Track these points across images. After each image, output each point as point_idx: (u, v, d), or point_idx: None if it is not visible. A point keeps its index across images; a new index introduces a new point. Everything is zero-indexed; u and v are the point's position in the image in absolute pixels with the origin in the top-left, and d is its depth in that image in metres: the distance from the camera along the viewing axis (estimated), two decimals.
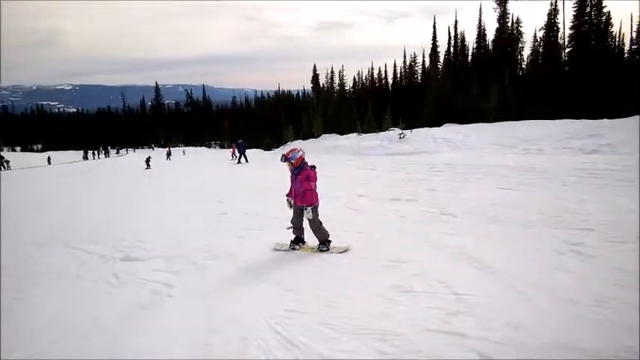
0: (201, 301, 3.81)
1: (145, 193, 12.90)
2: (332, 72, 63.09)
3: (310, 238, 5.31)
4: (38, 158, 46.46)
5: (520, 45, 43.69)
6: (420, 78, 54.89)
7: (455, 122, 29.88)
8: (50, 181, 19.66)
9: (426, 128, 25.09)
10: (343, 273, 4.28)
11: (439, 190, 8.79)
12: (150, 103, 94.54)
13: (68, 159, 48.01)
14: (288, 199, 5.34)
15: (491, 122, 25.04)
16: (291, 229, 5.31)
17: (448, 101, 39.66)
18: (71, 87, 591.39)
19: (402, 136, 20.87)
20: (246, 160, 23.27)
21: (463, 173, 10.73)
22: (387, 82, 62.14)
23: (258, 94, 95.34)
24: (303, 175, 5.03)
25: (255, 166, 21.24)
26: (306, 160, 5.17)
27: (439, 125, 28.25)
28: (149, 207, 9.68)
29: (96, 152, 55.27)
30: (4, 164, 30.41)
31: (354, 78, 65.55)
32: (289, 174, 5.25)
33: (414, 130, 22.29)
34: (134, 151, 73.12)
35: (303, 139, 38.56)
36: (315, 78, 66.84)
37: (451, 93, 40.70)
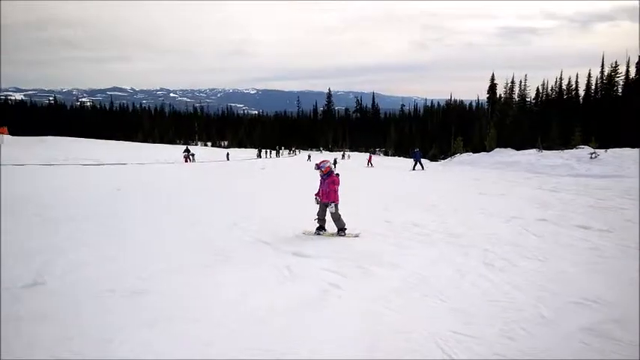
0: (367, 305, 4.03)
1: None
2: (512, 81, 62.38)
3: (330, 226, 7.11)
4: (221, 154, 52.46)
5: None
6: (621, 90, 51.06)
7: None
8: (231, 174, 23.02)
9: (626, 149, 22.65)
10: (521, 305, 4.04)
11: None
12: (322, 109, 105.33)
13: (244, 155, 54.82)
14: (315, 198, 7.19)
15: None
16: (317, 220, 7.17)
17: None
18: (255, 91, 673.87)
19: (593, 155, 19.62)
20: (422, 168, 26.21)
21: None
22: (577, 93, 58.74)
23: (428, 103, 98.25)
24: (329, 179, 6.96)
25: (427, 175, 22.42)
26: (334, 169, 7.28)
27: None
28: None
29: (268, 151, 63.63)
30: (191, 157, 38.48)
31: (538, 88, 63.28)
32: (319, 180, 7.18)
33: (609, 150, 20.80)
34: (308, 152, 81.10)
35: (473, 152, 40.00)
36: (492, 87, 66.39)
37: None
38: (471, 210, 9.88)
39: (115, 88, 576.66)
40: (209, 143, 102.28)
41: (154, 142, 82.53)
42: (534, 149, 27.15)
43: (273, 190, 14.91)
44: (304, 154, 72.82)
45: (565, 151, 25.01)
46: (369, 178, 22.16)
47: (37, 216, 8.70)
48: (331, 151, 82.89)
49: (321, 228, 7.23)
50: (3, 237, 6.50)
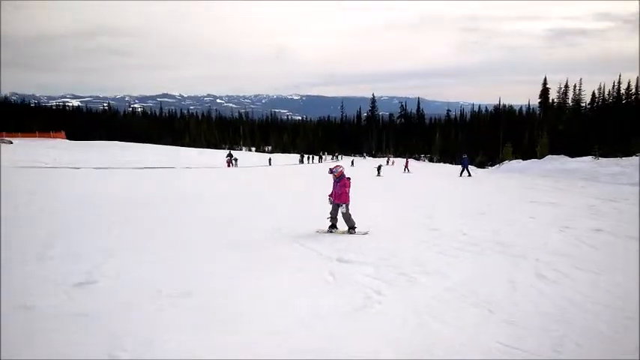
0: (411, 314, 3.97)
1: (367, 198, 14.61)
2: (566, 86, 60.14)
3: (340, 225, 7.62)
4: (263, 158, 53.56)
5: None
6: None
7: None
8: (274, 179, 23.87)
9: None
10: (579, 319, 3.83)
11: None
12: (365, 114, 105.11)
13: (287, 161, 55.46)
14: (329, 198, 7.86)
15: None
16: (329, 219, 7.79)
17: None
18: (299, 97, 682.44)
19: None
20: (469, 174, 26.08)
21: None
22: (637, 98, 56.20)
23: (475, 108, 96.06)
24: (341, 182, 7.63)
25: (474, 182, 21.92)
26: (345, 173, 7.88)
27: None
28: (366, 212, 9.82)
29: (310, 157, 64.15)
30: (234, 161, 39.10)
31: (594, 93, 60.79)
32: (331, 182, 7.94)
33: None
34: (352, 158, 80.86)
35: (523, 159, 38.86)
36: (544, 92, 64.35)
37: None
38: (521, 219, 9.56)
39: (164, 95, 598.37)
40: (253, 148, 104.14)
41: (200, 146, 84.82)
42: (589, 156, 26.31)
43: (318, 195, 14.97)
44: (347, 159, 72.76)
45: (624, 158, 23.99)
46: (412, 184, 22.04)
47: (92, 216, 9.16)
48: (374, 156, 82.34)
49: (333, 226, 7.81)
50: (57, 237, 6.89)
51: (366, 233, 7.63)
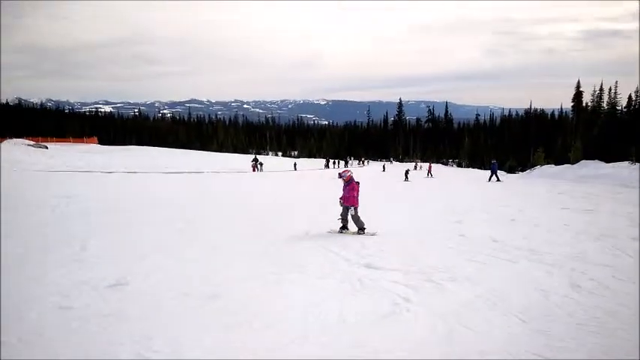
0: (440, 321, 3.91)
1: (394, 202, 14.88)
2: (601, 89, 58.49)
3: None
4: (289, 163, 53.65)
5: None
6: None
7: None
8: (299, 183, 23.87)
9: None
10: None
11: None
12: (392, 119, 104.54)
13: (312, 166, 55.01)
14: (340, 201, 8.20)
15: None
16: (340, 220, 8.23)
17: None
18: (325, 102, 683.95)
19: None
20: (497, 179, 25.97)
21: None
22: None
23: (505, 112, 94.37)
24: (350, 186, 8.02)
25: (504, 187, 21.53)
26: (354, 178, 8.27)
27: None
28: (393, 218, 10.43)
29: (336, 162, 63.48)
30: (259, 166, 39.53)
31: (630, 96, 58.89)
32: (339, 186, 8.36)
33: None
34: (384, 162, 79.64)
35: (556, 164, 38.03)
36: (578, 95, 62.73)
37: None
38: (554, 226, 9.25)
39: (192, 100, 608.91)
40: (279, 153, 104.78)
41: (227, 151, 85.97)
42: (626, 162, 25.32)
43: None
44: (374, 164, 72.44)
45: None
46: (440, 189, 21.86)
47: (123, 218, 9.41)
48: (401, 161, 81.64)
49: (344, 227, 8.24)
50: (91, 239, 7.10)
51: (374, 234, 7.96)
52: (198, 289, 4.75)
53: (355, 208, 8.01)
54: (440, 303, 4.43)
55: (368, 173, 38.97)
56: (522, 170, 48.01)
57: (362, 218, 8.08)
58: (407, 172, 32.20)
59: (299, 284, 5.03)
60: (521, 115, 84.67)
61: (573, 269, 5.74)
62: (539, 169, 34.65)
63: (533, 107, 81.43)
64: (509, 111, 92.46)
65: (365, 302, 4.44)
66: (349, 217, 8.13)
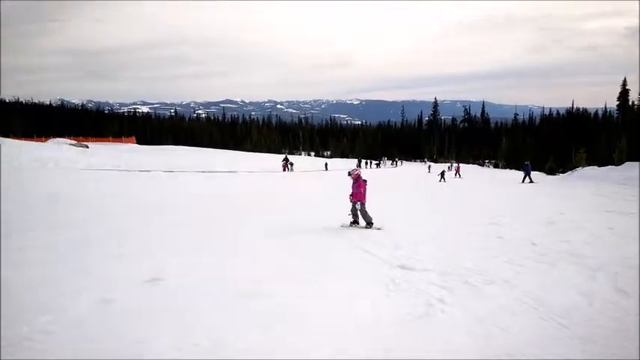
0: (476, 323, 3.86)
1: (429, 203, 14.81)
2: None
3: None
4: (320, 163, 53.92)
5: None
6: None
7: None
8: (331, 183, 24.62)
9: None
10: None
11: None
12: (427, 118, 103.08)
13: (344, 166, 55.70)
14: (349, 197, 8.81)
15: None
16: (350, 215, 8.82)
17: None
18: (358, 102, 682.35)
19: None
20: (531, 181, 25.88)
21: None
22: None
23: (545, 112, 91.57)
24: (357, 184, 8.68)
25: (542, 189, 21.23)
26: (363, 177, 8.94)
27: None
28: (428, 219, 10.45)
29: (368, 162, 63.26)
30: (289, 165, 39.80)
31: None
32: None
33: None
34: (428, 163, 75.89)
35: (598, 165, 36.67)
36: (624, 94, 60.37)
37: None
38: (596, 229, 8.93)
39: (227, 101, 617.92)
40: (312, 153, 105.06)
41: (260, 151, 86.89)
42: None
43: (382, 203, 14.77)
44: (407, 165, 71.57)
45: None
46: (476, 190, 21.63)
47: (160, 216, 9.67)
48: (436, 162, 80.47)
49: (354, 222, 8.86)
50: (129, 235, 7.33)
51: (379, 229, 8.52)
52: (234, 286, 4.82)
53: (362, 204, 8.65)
54: (476, 305, 4.36)
55: (410, 175, 38.40)
56: (563, 172, 46.47)
57: (369, 213, 8.72)
58: (443, 172, 32.16)
59: (333, 283, 5.05)
60: (563, 115, 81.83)
61: (617, 273, 5.51)
62: (580, 171, 33.53)
63: (575, 106, 78.69)
64: (550, 110, 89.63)
65: (399, 303, 4.42)
66: (358, 212, 8.72)
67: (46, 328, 3.51)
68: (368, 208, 8.77)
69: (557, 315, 4.12)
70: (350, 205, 8.91)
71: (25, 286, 4.53)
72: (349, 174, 9.06)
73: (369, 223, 8.66)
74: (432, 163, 72.50)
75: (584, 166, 38.83)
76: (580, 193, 18.00)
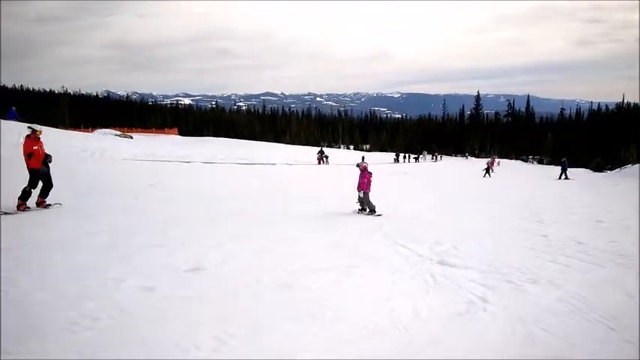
0: (518, 323, 3.80)
1: (470, 200, 14.18)
2: None
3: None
4: (356, 156, 51.20)
5: None
6: None
7: None
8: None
9: None
10: None
11: None
12: (469, 112, 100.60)
13: (381, 160, 53.09)
14: (357, 188, 9.62)
15: None
16: (358, 203, 9.71)
17: None
18: (399, 95, 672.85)
19: None
20: (566, 177, 26.30)
21: None
22: None
23: (594, 106, 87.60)
24: (362, 175, 9.57)
25: (585, 187, 20.72)
26: (369, 169, 9.77)
27: None
28: (470, 215, 10.30)
29: (406, 156, 61.21)
30: (325, 158, 39.76)
31: None
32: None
33: None
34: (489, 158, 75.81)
35: None
36: None
37: None
38: None
39: (267, 93, 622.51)
40: (351, 146, 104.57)
41: (299, 143, 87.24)
42: None
43: (419, 198, 14.57)
44: (447, 159, 70.04)
45: None
46: (518, 187, 20.98)
47: (200, 206, 9.92)
48: (477, 157, 78.50)
49: (362, 209, 9.79)
50: (171, 224, 7.54)
51: (379, 215, 9.36)
52: (272, 277, 4.90)
53: (365, 193, 9.60)
54: (519, 304, 4.29)
55: (452, 169, 37.88)
56: (611, 169, 44.45)
57: (372, 202, 9.65)
58: (487, 168, 31.55)
59: (370, 278, 5.03)
60: (612, 110, 78.11)
61: None
62: (630, 168, 31.98)
63: (626, 101, 74.88)
64: (599, 105, 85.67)
65: (438, 299, 4.37)
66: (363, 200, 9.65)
67: (92, 314, 3.68)
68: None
69: (604, 317, 4.00)
70: (357, 194, 9.79)
71: (72, 272, 4.73)
72: (357, 165, 10.11)
73: (372, 210, 9.57)
74: (474, 158, 70.73)
75: (634, 164, 37.05)
76: (630, 192, 17.17)
